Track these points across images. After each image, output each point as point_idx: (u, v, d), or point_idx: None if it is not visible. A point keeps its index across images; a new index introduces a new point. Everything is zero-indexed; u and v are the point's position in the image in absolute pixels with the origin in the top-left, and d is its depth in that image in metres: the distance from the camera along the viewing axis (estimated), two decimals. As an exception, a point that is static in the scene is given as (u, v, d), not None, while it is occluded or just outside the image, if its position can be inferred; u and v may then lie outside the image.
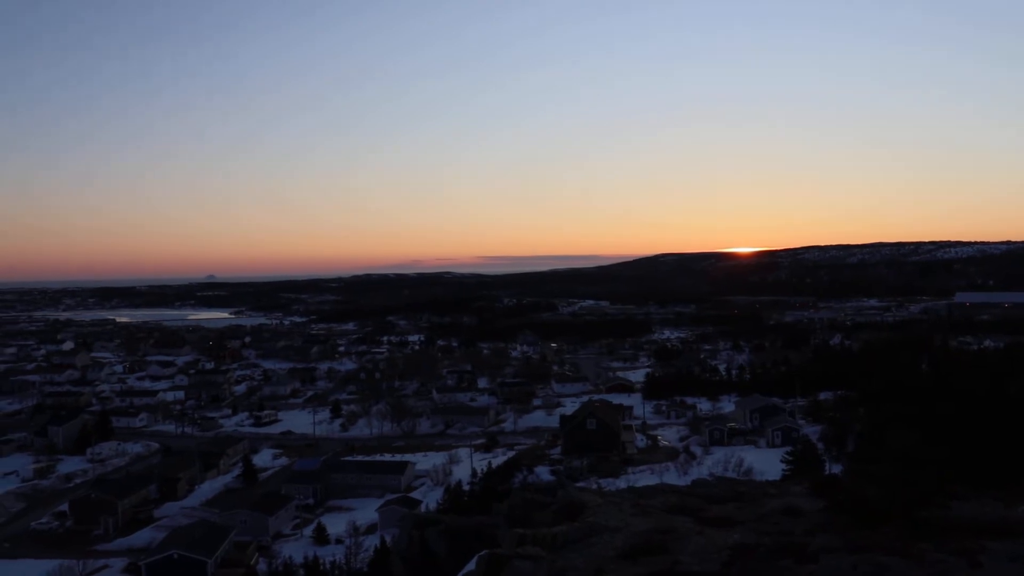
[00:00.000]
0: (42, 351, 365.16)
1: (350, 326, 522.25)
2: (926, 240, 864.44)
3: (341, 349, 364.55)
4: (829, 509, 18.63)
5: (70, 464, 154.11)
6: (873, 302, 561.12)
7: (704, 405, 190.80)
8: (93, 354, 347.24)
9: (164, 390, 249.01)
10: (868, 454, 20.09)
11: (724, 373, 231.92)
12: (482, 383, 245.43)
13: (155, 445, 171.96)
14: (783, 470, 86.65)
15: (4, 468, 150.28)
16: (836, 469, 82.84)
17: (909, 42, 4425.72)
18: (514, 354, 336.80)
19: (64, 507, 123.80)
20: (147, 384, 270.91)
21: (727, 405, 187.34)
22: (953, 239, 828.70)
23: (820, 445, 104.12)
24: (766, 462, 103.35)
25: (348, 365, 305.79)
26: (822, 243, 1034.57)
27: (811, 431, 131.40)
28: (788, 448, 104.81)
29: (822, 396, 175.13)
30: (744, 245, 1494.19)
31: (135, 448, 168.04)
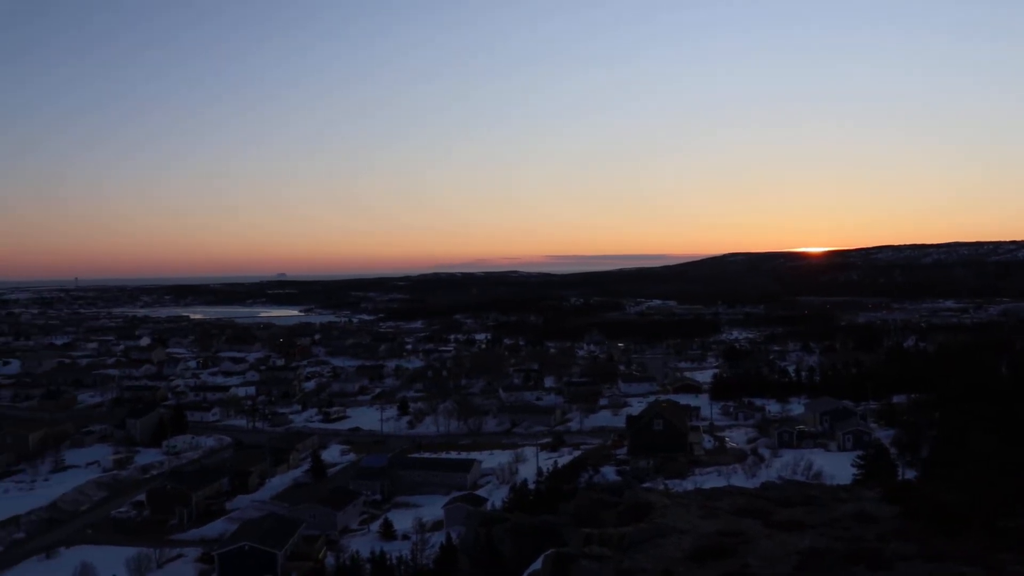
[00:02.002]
0: (121, 347, 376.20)
1: (417, 324, 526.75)
2: (1006, 240, 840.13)
3: (408, 347, 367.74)
4: (904, 515, 18.16)
5: (147, 456, 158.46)
6: (950, 303, 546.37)
7: (773, 407, 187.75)
8: (168, 350, 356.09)
9: (236, 386, 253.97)
10: (945, 458, 19.48)
11: (793, 375, 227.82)
12: (548, 382, 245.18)
13: (227, 439, 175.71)
14: (854, 475, 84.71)
15: (87, 458, 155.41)
16: (910, 475, 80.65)
17: (987, 38, 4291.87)
18: (580, 353, 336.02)
19: (142, 497, 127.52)
20: (220, 380, 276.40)
21: (796, 407, 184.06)
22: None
23: (893, 450, 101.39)
24: (836, 466, 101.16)
25: (415, 363, 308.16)
26: (896, 243, 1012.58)
27: (883, 435, 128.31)
28: (859, 452, 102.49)
29: (895, 399, 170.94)
30: (815, 245, 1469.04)
31: (208, 442, 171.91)
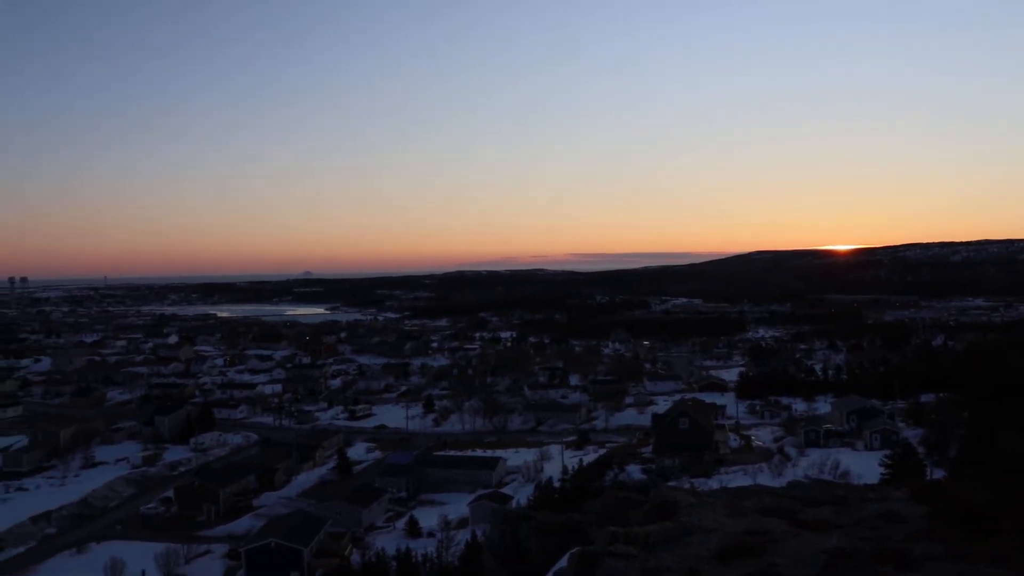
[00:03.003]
0: (149, 344, 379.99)
1: (443, 322, 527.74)
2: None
3: (434, 345, 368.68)
4: (932, 516, 18.01)
5: (175, 452, 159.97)
6: (979, 302, 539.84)
7: (799, 406, 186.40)
8: (196, 348, 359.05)
9: (263, 383, 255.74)
10: (974, 458, 19.29)
11: (820, 373, 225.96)
12: (574, 380, 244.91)
13: (254, 436, 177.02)
14: (881, 474, 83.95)
15: (116, 454, 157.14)
16: (938, 475, 79.86)
17: (1020, 32, 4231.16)
18: (606, 352, 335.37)
19: (170, 493, 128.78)
20: (246, 377, 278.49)
21: (823, 406, 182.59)
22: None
23: (921, 449, 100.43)
24: (863, 465, 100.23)
25: (441, 361, 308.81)
26: (924, 240, 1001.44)
27: (911, 434, 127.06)
28: (887, 451, 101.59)
29: (923, 398, 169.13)
30: (841, 243, 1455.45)
31: (235, 439, 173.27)
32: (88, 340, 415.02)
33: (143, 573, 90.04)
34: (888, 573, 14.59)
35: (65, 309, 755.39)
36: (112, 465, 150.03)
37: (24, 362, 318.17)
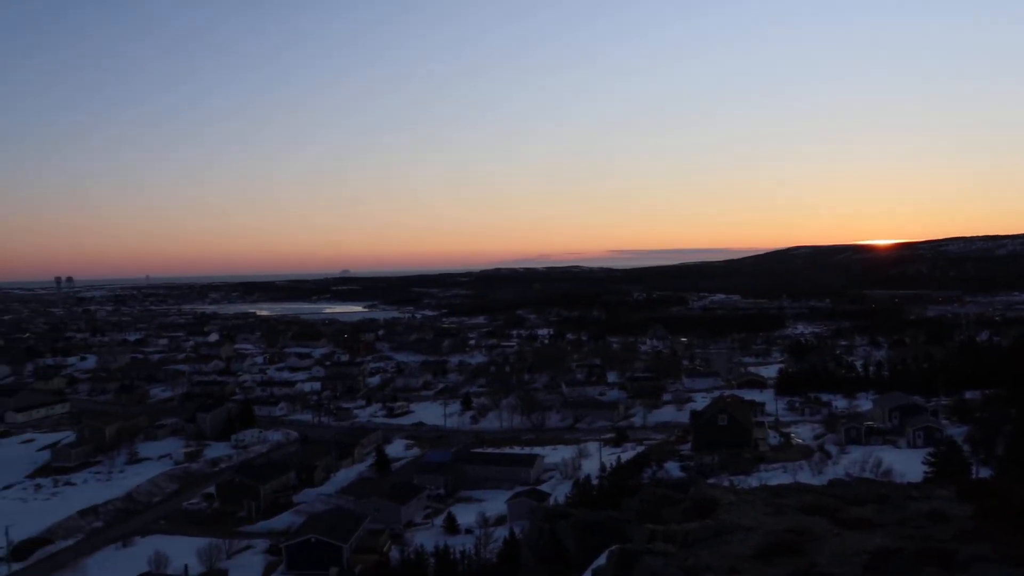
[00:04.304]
0: (191, 342, 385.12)
1: (480, 320, 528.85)
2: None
3: (471, 343, 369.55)
4: (979, 515, 17.66)
5: (216, 449, 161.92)
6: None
7: (840, 403, 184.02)
8: (236, 346, 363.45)
9: (302, 381, 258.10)
10: (1022, 455, 18.94)
11: (861, 370, 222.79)
12: (611, 377, 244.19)
13: (293, 434, 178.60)
14: (925, 472, 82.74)
15: (159, 451, 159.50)
16: (984, 473, 78.50)
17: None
18: (644, 348, 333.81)
19: (211, 489, 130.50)
20: (286, 375, 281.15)
21: (864, 403, 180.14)
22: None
23: (966, 447, 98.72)
24: (906, 463, 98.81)
25: (478, 358, 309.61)
26: (967, 234, 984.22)
27: (956, 432, 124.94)
28: (930, 449, 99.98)
29: (968, 395, 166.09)
30: (882, 237, 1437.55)
31: (275, 436, 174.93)
32: (131, 338, 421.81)
33: (186, 567, 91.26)
34: (934, 574, 14.33)
35: (109, 308, 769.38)
36: (155, 461, 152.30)
37: (71, 360, 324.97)
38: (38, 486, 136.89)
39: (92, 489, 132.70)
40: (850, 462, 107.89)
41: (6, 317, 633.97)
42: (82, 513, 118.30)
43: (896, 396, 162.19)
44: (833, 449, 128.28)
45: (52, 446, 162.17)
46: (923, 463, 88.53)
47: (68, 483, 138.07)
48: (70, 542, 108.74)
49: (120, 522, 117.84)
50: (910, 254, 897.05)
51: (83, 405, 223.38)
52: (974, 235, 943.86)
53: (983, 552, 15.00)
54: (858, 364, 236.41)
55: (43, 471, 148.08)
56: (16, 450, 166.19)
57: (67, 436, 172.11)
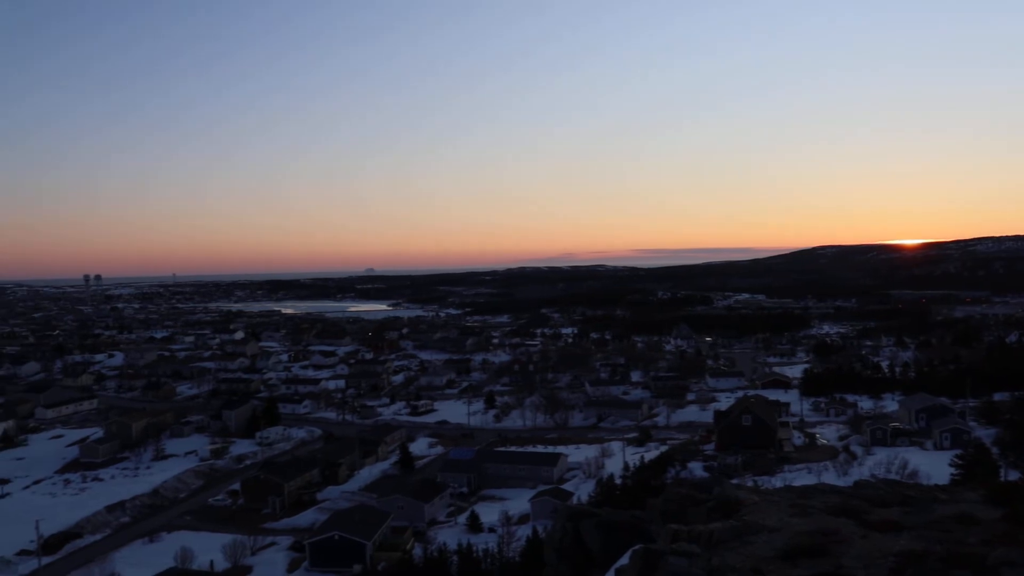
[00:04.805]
0: (216, 340, 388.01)
1: (504, 318, 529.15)
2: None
3: (495, 341, 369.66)
4: (1009, 519, 17.44)
5: (241, 446, 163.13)
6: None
7: (865, 403, 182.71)
8: (261, 343, 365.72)
9: (326, 379, 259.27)
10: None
11: (887, 370, 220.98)
12: (635, 376, 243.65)
13: (318, 431, 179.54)
14: (952, 475, 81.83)
15: (185, 447, 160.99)
16: (1013, 476, 77.55)
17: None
18: (668, 348, 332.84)
19: (236, 486, 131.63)
20: (310, 373, 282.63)
21: (890, 404, 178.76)
22: None
23: (995, 449, 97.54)
24: (933, 465, 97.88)
25: (502, 357, 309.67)
26: (996, 233, 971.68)
27: (984, 434, 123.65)
28: (958, 451, 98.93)
29: (997, 397, 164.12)
30: (909, 237, 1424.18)
31: (299, 433, 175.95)
32: (158, 336, 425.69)
33: (211, 563, 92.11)
34: (962, 577, 14.16)
35: (136, 306, 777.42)
36: (181, 457, 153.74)
37: (99, 357, 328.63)
38: (67, 481, 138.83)
39: (119, 485, 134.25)
40: (875, 463, 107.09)
41: (37, 315, 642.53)
42: (110, 508, 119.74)
43: (923, 397, 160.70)
44: (858, 450, 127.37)
45: (80, 442, 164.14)
46: (950, 465, 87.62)
47: (96, 478, 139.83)
48: (98, 536, 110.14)
49: (146, 517, 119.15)
50: (938, 254, 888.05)
51: (111, 402, 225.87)
52: (1004, 235, 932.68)
53: (1013, 557, 14.78)
54: (884, 365, 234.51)
55: (72, 466, 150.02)
56: (46, 446, 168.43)
57: (95, 432, 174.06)
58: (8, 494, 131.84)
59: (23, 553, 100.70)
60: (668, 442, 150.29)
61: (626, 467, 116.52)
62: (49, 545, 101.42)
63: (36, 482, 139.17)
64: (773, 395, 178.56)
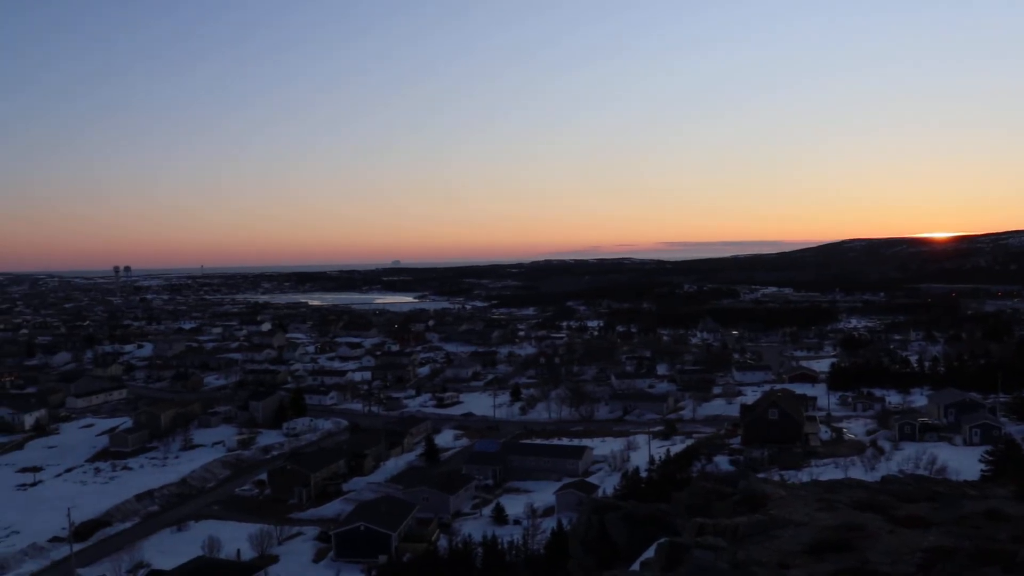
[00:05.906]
0: (244, 332, 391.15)
1: (530, 311, 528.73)
2: None
3: (521, 334, 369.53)
4: (1040, 515, 17.25)
5: (268, 437, 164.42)
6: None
7: (893, 398, 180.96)
8: (288, 335, 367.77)
9: (352, 370, 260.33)
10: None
11: (916, 365, 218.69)
12: (661, 370, 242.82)
13: (344, 422, 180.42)
14: (982, 471, 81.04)
15: (213, 437, 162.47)
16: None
17: None
18: (694, 341, 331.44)
19: (263, 476, 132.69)
20: (337, 364, 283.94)
21: (918, 399, 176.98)
22: None
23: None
24: (962, 461, 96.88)
25: (528, 349, 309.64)
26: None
27: (1015, 430, 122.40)
28: (988, 447, 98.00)
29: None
30: (939, 230, 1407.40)
31: (326, 424, 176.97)
32: (186, 327, 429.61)
33: (238, 552, 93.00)
34: (992, 574, 14.03)
35: (165, 297, 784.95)
36: (209, 448, 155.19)
37: (128, 347, 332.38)
38: (97, 470, 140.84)
39: (148, 474, 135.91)
40: (903, 459, 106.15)
41: (68, 305, 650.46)
42: (139, 497, 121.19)
43: (952, 392, 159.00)
44: (886, 445, 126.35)
45: (110, 431, 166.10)
46: (980, 461, 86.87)
47: (125, 467, 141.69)
48: (127, 525, 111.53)
49: (175, 506, 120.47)
50: (968, 247, 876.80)
51: (140, 392, 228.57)
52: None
53: (1043, 553, 14.61)
54: (913, 359, 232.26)
55: (102, 455, 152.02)
56: (77, 435, 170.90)
57: (124, 422, 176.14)
58: (41, 481, 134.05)
59: (55, 540, 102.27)
60: (694, 435, 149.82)
61: (651, 460, 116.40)
62: (80, 532, 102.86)
63: (68, 470, 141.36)
64: (800, 389, 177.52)
